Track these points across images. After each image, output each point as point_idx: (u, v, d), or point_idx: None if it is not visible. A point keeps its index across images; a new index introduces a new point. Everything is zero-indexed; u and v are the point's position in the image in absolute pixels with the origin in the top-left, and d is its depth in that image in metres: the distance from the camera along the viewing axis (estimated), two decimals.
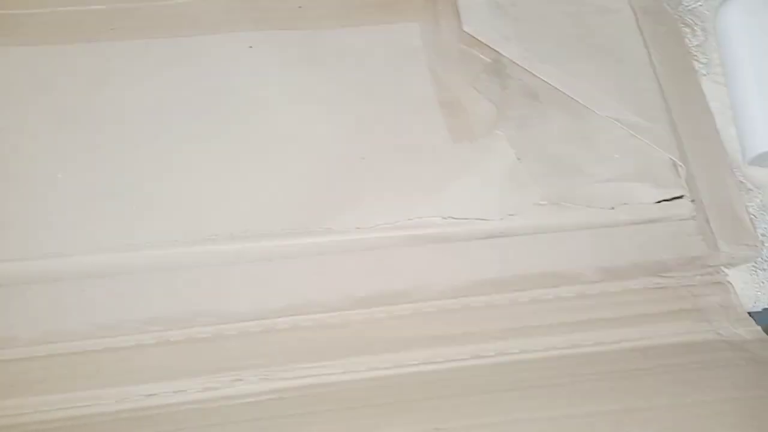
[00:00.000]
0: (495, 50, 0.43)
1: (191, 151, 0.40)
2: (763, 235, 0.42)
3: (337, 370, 0.35)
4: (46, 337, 0.34)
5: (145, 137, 0.40)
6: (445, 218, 0.38)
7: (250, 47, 0.44)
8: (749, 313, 0.39)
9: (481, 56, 0.44)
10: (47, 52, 0.43)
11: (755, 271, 0.41)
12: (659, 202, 0.39)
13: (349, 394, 0.34)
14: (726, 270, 0.40)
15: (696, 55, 0.47)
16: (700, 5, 0.48)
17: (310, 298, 0.36)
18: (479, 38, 0.43)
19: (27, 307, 0.35)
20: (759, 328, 0.38)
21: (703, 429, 0.31)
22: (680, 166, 0.40)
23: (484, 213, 0.38)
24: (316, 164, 0.40)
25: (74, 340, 0.35)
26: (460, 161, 0.40)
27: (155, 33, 0.44)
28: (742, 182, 0.43)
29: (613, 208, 0.39)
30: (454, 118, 0.42)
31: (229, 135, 0.41)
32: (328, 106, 0.43)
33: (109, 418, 0.33)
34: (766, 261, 0.41)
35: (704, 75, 0.46)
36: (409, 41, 0.45)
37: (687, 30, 0.47)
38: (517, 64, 0.42)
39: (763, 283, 0.41)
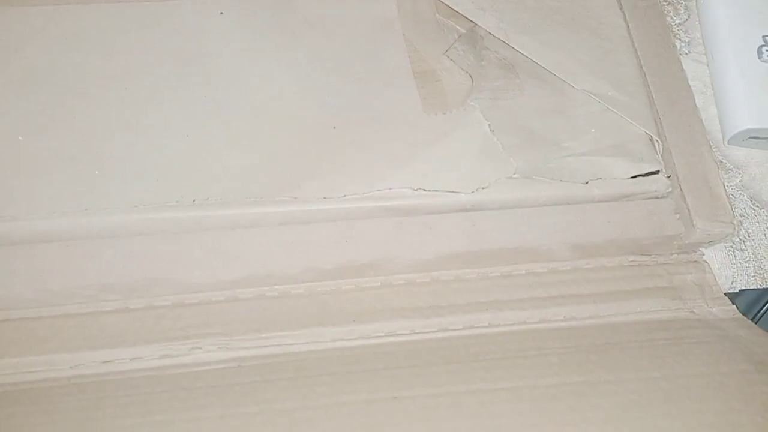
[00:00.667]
0: (471, 21, 0.42)
1: (156, 117, 0.39)
2: (741, 215, 0.41)
3: (299, 340, 0.34)
4: None
5: (110, 101, 0.39)
6: (415, 190, 0.37)
7: (221, 13, 0.43)
8: (726, 294, 0.38)
9: (458, 27, 0.43)
10: (12, 13, 0.42)
11: (733, 252, 0.40)
12: (634, 177, 0.38)
13: (310, 363, 0.33)
14: (703, 249, 0.39)
15: (678, 34, 0.46)
16: None
17: (274, 268, 0.35)
18: (455, 8, 0.42)
19: None
20: (734, 307, 0.37)
21: (668, 402, 0.30)
22: (657, 141, 0.39)
23: (456, 185, 0.37)
24: (285, 132, 0.39)
25: (26, 306, 0.34)
26: (433, 132, 0.39)
27: None
28: (722, 162, 0.42)
29: (587, 183, 0.38)
30: (428, 88, 0.42)
31: (196, 101, 0.40)
32: (299, 74, 0.41)
33: (62, 383, 0.32)
34: (743, 241, 0.40)
35: (686, 54, 0.45)
36: (384, 11, 0.44)
37: (670, 8, 0.46)
38: (493, 35, 0.41)
39: (740, 263, 0.40)
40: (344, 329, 0.35)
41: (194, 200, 0.36)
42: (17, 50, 0.41)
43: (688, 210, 0.38)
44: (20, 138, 0.38)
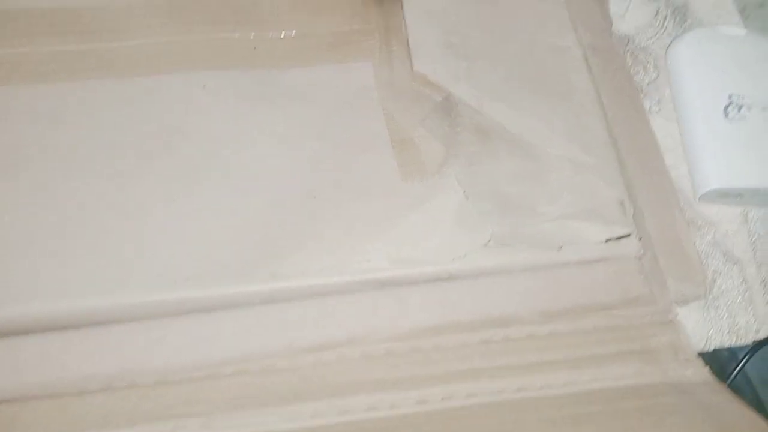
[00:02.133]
0: (446, 89, 0.43)
1: (136, 194, 0.40)
2: (714, 272, 0.42)
3: (280, 417, 0.35)
4: None
5: (91, 179, 0.40)
6: (392, 261, 0.38)
7: (204, 87, 0.44)
8: (700, 353, 0.39)
9: (433, 95, 0.44)
10: None
11: (707, 309, 0.41)
12: (607, 241, 0.39)
13: None
14: (677, 309, 0.40)
15: (648, 92, 0.47)
16: (652, 43, 0.49)
17: (254, 349, 0.36)
18: (430, 78, 0.43)
19: None
20: (707, 369, 0.37)
21: None
22: (627, 204, 0.40)
23: (432, 255, 0.38)
24: (264, 204, 0.40)
25: (5, 398, 0.34)
26: (410, 199, 0.40)
27: (109, 73, 0.44)
28: (693, 219, 0.43)
29: (560, 248, 0.39)
30: (406, 156, 0.43)
31: (177, 176, 0.40)
32: (279, 145, 0.42)
33: None
34: (717, 298, 0.41)
35: (657, 112, 0.46)
36: (362, 81, 0.46)
37: (640, 67, 0.48)
38: (468, 104, 0.43)
39: (714, 321, 0.40)
40: (324, 403, 0.35)
41: (175, 282, 0.37)
42: (1, 128, 0.42)
43: (661, 271, 0.39)
44: (4, 217, 0.39)
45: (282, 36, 0.47)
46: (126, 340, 0.35)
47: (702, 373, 0.37)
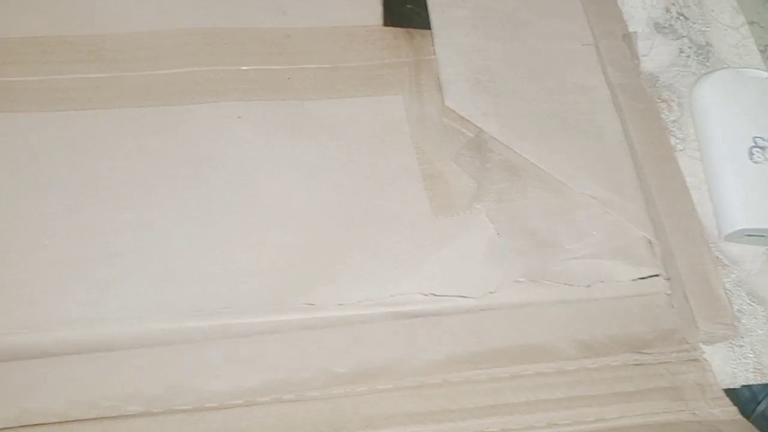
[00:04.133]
0: (475, 125, 0.44)
1: (173, 222, 0.40)
2: (738, 311, 0.43)
3: None
4: (22, 416, 0.34)
5: (127, 206, 0.41)
6: (425, 295, 0.39)
7: (239, 117, 0.45)
8: (726, 390, 0.39)
9: (464, 130, 0.45)
10: (34, 119, 0.44)
11: (732, 348, 0.41)
12: (635, 280, 0.40)
13: None
14: (703, 346, 0.41)
15: (673, 131, 0.48)
16: (676, 81, 0.50)
17: (290, 375, 0.36)
18: (460, 113, 0.44)
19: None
20: (735, 408, 0.38)
21: None
22: (655, 243, 0.41)
23: (464, 289, 0.39)
24: (299, 235, 0.41)
25: (51, 419, 0.35)
26: (441, 235, 0.41)
27: (144, 102, 0.45)
28: (718, 258, 0.44)
29: (589, 286, 0.39)
30: (436, 190, 0.43)
31: (211, 205, 0.41)
32: (311, 175, 0.43)
33: None
34: (742, 337, 0.42)
35: (681, 150, 0.47)
36: (393, 113, 0.46)
37: (664, 105, 0.49)
38: (497, 140, 0.43)
39: (740, 359, 0.41)
40: None
41: (213, 309, 0.37)
42: (36, 156, 0.42)
43: (691, 311, 0.39)
44: (43, 242, 0.39)
45: (316, 68, 0.47)
46: (168, 361, 0.36)
47: (729, 411, 0.38)
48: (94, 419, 0.35)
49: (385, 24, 0.50)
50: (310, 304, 0.38)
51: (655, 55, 0.51)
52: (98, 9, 0.48)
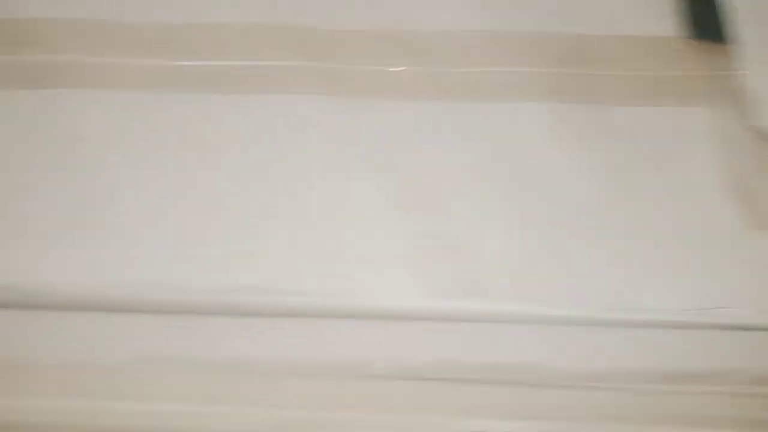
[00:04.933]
0: None
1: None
2: None
3: None
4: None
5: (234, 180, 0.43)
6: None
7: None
8: None
9: None
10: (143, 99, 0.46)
11: None
12: None
13: None
14: None
15: None
16: None
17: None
18: None
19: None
20: None
21: None
22: None
23: None
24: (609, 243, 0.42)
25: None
26: (755, 252, 0.41)
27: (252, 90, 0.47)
28: None
29: None
30: (746, 206, 0.43)
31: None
32: (599, 177, 0.44)
33: None
34: None
35: None
36: (692, 126, 0.46)
37: None
38: None
39: None
40: None
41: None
42: (149, 135, 0.45)
43: None
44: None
45: (614, 75, 0.48)
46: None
47: None
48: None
49: (685, 35, 0.50)
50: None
51: None
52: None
